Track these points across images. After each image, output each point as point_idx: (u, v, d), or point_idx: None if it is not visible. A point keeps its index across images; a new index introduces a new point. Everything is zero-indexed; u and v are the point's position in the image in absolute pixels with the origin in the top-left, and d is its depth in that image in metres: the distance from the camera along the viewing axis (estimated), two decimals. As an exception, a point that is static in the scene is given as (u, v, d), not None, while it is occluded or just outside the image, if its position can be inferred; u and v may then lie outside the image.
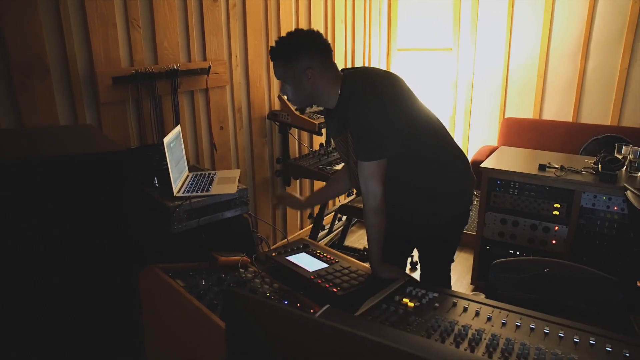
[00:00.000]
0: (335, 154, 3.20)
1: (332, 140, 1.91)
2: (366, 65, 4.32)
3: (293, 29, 1.65)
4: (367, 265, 1.70)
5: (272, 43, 3.21)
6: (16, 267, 1.34)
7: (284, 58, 1.61)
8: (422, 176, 1.72)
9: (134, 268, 1.49)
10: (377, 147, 1.59)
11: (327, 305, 1.19)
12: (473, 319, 1.31)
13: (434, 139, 1.73)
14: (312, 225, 3.32)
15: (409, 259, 3.39)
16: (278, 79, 1.68)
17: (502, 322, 1.28)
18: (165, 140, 1.92)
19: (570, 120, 3.90)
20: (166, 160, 1.92)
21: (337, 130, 1.72)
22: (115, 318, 1.51)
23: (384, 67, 4.61)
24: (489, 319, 1.31)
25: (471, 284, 3.07)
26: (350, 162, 1.75)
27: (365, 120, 1.56)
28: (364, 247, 3.53)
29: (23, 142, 1.61)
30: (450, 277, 2.01)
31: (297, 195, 2.03)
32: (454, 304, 1.39)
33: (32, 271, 1.37)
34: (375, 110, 1.55)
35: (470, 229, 3.30)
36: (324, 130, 3.03)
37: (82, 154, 1.42)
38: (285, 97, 1.74)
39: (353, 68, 1.76)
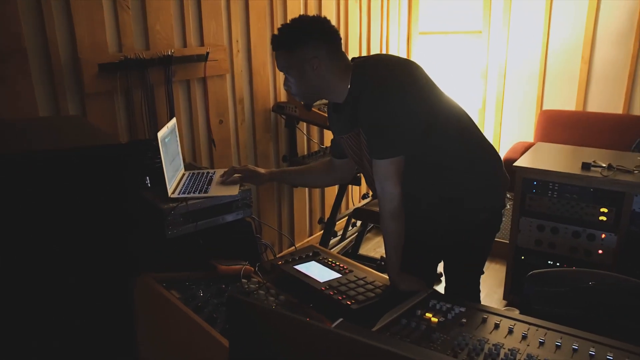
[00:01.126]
0: (348, 151, 3.21)
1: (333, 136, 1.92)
2: (383, 51, 4.33)
3: (299, 14, 1.69)
4: (385, 276, 1.71)
5: (278, 26, 3.25)
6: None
7: (287, 47, 1.63)
8: (446, 176, 1.72)
9: (128, 277, 1.52)
10: (393, 143, 1.59)
11: (340, 320, 1.20)
12: (506, 337, 1.32)
13: (460, 134, 1.73)
14: (322, 232, 3.34)
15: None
16: (280, 70, 1.71)
17: (540, 341, 1.28)
18: (160, 134, 1.94)
19: (619, 112, 3.88)
20: (159, 157, 1.94)
21: (346, 127, 1.73)
22: (107, 330, 1.53)
23: (403, 53, 4.62)
24: (524, 337, 1.31)
25: (504, 299, 3.07)
26: (364, 162, 1.76)
27: (380, 113, 1.57)
28: (381, 256, 3.54)
29: (4, 135, 1.64)
30: (479, 291, 2.01)
31: (257, 167, 2.06)
32: (484, 320, 1.40)
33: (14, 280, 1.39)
34: (390, 102, 1.56)
35: (502, 236, 3.29)
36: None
37: (78, 148, 1.44)
38: (289, 91, 1.76)
39: (364, 57, 1.77)
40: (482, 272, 1.99)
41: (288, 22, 1.67)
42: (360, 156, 1.76)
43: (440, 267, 2.05)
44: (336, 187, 3.51)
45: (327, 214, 3.50)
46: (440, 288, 2.87)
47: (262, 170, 2.05)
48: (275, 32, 1.66)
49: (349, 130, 1.72)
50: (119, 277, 1.51)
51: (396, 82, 1.59)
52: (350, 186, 3.78)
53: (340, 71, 1.66)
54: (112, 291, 1.51)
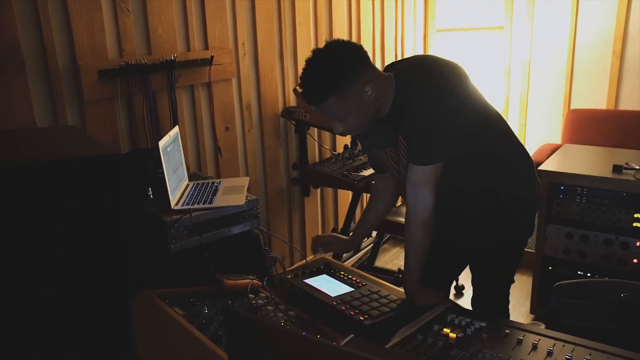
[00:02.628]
0: (362, 158, 3.22)
1: (366, 154, 1.87)
2: (398, 51, 4.34)
3: (312, 50, 1.59)
4: (401, 289, 1.71)
5: (286, 27, 3.30)
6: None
7: (333, 93, 1.53)
8: (487, 182, 1.74)
9: (128, 294, 1.54)
10: (436, 149, 1.60)
11: (352, 336, 1.21)
12: (529, 353, 1.31)
13: (500, 138, 1.76)
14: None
15: (454, 283, 3.38)
16: (333, 119, 1.63)
17: (567, 358, 1.28)
18: (161, 143, 1.98)
19: (656, 110, 3.83)
20: (162, 167, 1.97)
21: (389, 139, 1.71)
22: (104, 350, 1.55)
23: (419, 52, 4.62)
24: (549, 353, 1.30)
25: (531, 312, 3.04)
26: (401, 170, 1.76)
27: (427, 116, 1.57)
28: (399, 269, 3.53)
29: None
30: (508, 302, 2.01)
31: (338, 234, 2.04)
32: (506, 335, 1.39)
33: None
34: (438, 105, 1.57)
35: (529, 245, 3.26)
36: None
37: (73, 158, 1.47)
38: (344, 134, 1.70)
39: (403, 60, 1.76)
40: (513, 281, 2.00)
41: (307, 69, 1.57)
42: (398, 165, 1.76)
43: (463, 280, 2.05)
44: (349, 196, 3.51)
45: (341, 224, 3.50)
46: (462, 302, 2.86)
47: (343, 237, 2.03)
48: (301, 85, 1.57)
49: (392, 142, 1.71)
50: (118, 294, 1.53)
51: (443, 83, 1.59)
52: (364, 194, 3.78)
53: (385, 83, 1.64)
54: (111, 308, 1.53)
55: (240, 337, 0.82)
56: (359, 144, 3.23)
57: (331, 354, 0.71)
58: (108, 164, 1.46)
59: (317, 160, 3.43)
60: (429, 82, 1.59)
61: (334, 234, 2.06)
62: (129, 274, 1.53)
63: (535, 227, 3.05)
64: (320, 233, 3.69)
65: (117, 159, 1.49)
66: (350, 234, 2.07)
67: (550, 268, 2.87)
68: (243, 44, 2.96)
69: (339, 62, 1.54)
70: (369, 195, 3.93)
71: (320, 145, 3.57)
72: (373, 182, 2.03)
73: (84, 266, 1.48)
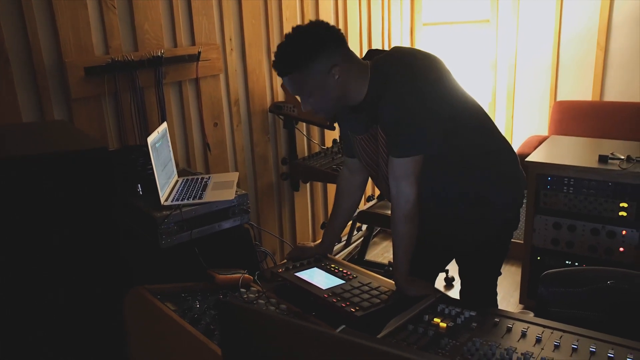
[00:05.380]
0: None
1: (341, 140, 1.87)
2: (385, 44, 4.35)
3: (294, 26, 1.62)
4: (391, 281, 1.72)
5: (273, 23, 3.30)
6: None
7: (300, 67, 1.58)
8: (469, 172, 1.74)
9: (120, 290, 1.54)
10: (416, 141, 1.61)
11: (343, 327, 1.22)
12: (518, 340, 1.33)
13: (479, 129, 1.76)
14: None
15: (444, 275, 3.40)
16: (296, 94, 1.67)
17: (555, 344, 1.29)
18: (150, 139, 1.97)
19: (639, 101, 3.87)
20: (151, 164, 1.96)
21: (362, 127, 1.73)
22: (96, 347, 1.55)
23: (407, 46, 4.63)
24: (538, 340, 1.32)
25: (520, 303, 3.07)
26: (380, 163, 1.77)
27: (403, 109, 1.58)
28: (389, 262, 3.55)
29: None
30: (496, 294, 2.03)
31: (309, 243, 2.05)
32: (495, 324, 1.41)
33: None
34: (415, 98, 1.57)
35: (517, 236, 3.29)
36: (336, 124, 3.06)
37: (62, 152, 1.47)
38: (311, 111, 1.72)
39: (381, 51, 1.77)
40: (500, 273, 2.01)
41: (283, 42, 1.61)
42: (376, 156, 1.77)
43: (452, 272, 2.07)
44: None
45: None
46: (452, 293, 2.88)
47: (311, 244, 2.04)
48: (273, 56, 1.61)
49: (365, 130, 1.73)
50: (109, 290, 1.53)
51: (422, 75, 1.60)
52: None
53: (358, 71, 1.65)
54: (102, 305, 1.53)
55: (231, 327, 0.83)
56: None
57: (324, 340, 0.71)
58: (97, 157, 1.46)
59: (306, 155, 3.44)
60: (407, 75, 1.60)
61: (304, 243, 2.05)
62: (120, 267, 1.53)
63: (522, 219, 3.09)
64: (310, 229, 3.70)
65: (105, 152, 1.49)
66: (318, 242, 2.07)
67: (538, 258, 2.90)
68: (230, 39, 2.95)
69: (309, 40, 1.58)
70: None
71: (309, 140, 3.58)
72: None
73: (75, 261, 1.48)
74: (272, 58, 1.68)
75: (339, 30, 1.65)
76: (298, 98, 1.71)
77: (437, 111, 1.60)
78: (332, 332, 0.83)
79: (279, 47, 1.61)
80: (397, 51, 1.76)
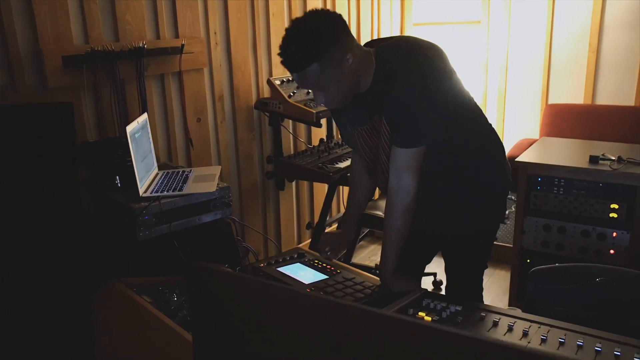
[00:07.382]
0: (338, 151, 3.22)
1: (340, 132, 1.85)
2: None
3: (294, 19, 1.59)
4: (376, 277, 1.72)
5: (259, 18, 3.29)
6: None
7: (315, 59, 1.52)
8: (463, 165, 1.76)
9: (90, 280, 1.51)
10: (422, 133, 1.61)
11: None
12: (505, 334, 1.32)
13: (474, 118, 1.79)
14: (310, 239, 3.33)
15: (432, 278, 3.40)
16: (310, 88, 1.64)
17: (542, 338, 1.29)
18: (129, 129, 1.95)
19: (632, 104, 3.90)
20: (130, 156, 1.94)
21: (364, 118, 1.72)
22: (63, 341, 1.52)
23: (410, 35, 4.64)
24: (525, 334, 1.31)
25: (509, 306, 3.07)
26: (380, 155, 1.77)
27: (411, 101, 1.58)
28: (376, 264, 3.54)
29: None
30: (482, 289, 2.03)
31: (333, 230, 2.03)
32: (482, 318, 1.40)
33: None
34: (423, 90, 1.58)
35: (506, 239, 3.31)
36: (323, 122, 3.06)
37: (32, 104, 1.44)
38: (323, 105, 1.70)
39: (385, 39, 1.76)
40: (486, 266, 2.02)
41: (289, 36, 1.56)
42: (377, 148, 1.76)
43: (440, 275, 2.06)
44: (325, 189, 3.51)
45: (317, 218, 3.50)
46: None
47: (337, 231, 2.02)
48: (280, 52, 1.56)
49: (368, 120, 1.71)
50: (78, 282, 1.51)
51: (428, 65, 1.61)
52: (340, 187, 3.78)
53: (366, 57, 1.64)
54: (69, 298, 1.50)
55: (201, 290, 0.81)
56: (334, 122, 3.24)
57: (299, 300, 0.71)
58: (61, 110, 1.43)
59: (291, 152, 3.43)
60: (415, 67, 1.60)
61: (337, 231, 2.03)
62: (90, 255, 1.51)
63: (511, 222, 3.10)
64: (295, 228, 3.69)
65: (70, 108, 1.45)
66: (336, 225, 2.06)
67: (528, 261, 2.89)
68: (215, 33, 2.94)
69: (322, 28, 1.54)
70: (345, 188, 3.99)
71: (295, 138, 3.57)
72: (350, 159, 2.02)
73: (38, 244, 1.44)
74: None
75: (340, 15, 1.63)
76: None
77: (443, 103, 1.62)
78: (307, 292, 0.83)
79: (286, 42, 1.56)
80: (403, 40, 1.77)
